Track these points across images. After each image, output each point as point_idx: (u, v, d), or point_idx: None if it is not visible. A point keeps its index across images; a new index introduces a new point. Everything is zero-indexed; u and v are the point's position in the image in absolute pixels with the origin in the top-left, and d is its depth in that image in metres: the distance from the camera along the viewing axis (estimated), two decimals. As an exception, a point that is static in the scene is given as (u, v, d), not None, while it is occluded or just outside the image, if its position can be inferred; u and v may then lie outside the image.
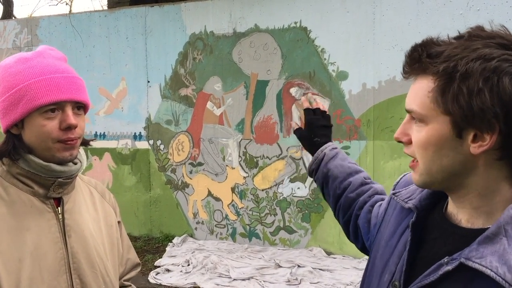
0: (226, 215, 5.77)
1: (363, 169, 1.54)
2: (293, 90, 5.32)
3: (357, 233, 1.43)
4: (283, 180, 5.47)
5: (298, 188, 5.42)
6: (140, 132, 6.13)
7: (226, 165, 5.72)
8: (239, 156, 5.64)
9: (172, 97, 5.91)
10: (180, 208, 5.99)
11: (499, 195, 0.93)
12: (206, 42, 5.70)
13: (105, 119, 6.29)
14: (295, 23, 5.27)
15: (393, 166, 4.96)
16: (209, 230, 5.86)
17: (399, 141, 1.01)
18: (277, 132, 5.44)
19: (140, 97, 6.08)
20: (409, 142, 0.98)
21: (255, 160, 5.58)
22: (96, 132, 6.34)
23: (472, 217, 0.95)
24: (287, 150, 5.41)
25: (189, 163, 5.90)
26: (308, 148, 1.63)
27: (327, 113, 1.68)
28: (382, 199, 1.40)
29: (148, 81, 6.02)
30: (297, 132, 1.67)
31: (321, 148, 1.57)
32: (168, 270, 5.04)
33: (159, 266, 5.14)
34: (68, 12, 6.51)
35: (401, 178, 1.24)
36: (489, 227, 0.90)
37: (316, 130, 1.62)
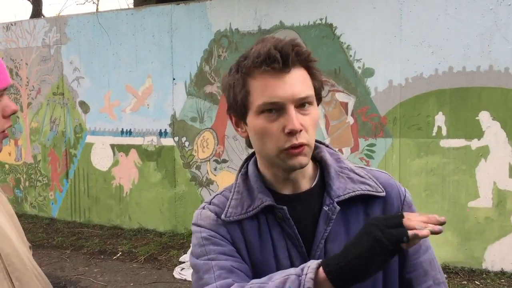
0: (250, 212, 5.77)
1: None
2: (318, 87, 5.28)
3: None
4: (307, 178, 5.44)
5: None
6: (165, 129, 6.19)
7: (251, 162, 5.71)
8: (264, 153, 5.63)
9: (197, 94, 5.95)
10: (205, 205, 6.01)
11: None
12: (231, 39, 5.71)
13: (131, 116, 6.37)
14: (321, 19, 5.24)
15: (419, 164, 4.88)
16: (233, 227, 5.88)
17: (296, 132, 1.04)
18: (302, 130, 5.41)
19: (165, 94, 6.14)
20: (301, 130, 1.06)
21: (279, 157, 5.56)
22: (122, 129, 6.42)
23: (309, 180, 1.16)
24: (311, 148, 5.37)
25: (214, 160, 5.92)
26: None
27: None
28: None
29: (174, 79, 6.07)
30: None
31: None
32: (192, 266, 5.07)
33: (184, 262, 5.19)
34: (95, 10, 6.61)
35: (203, 226, 1.22)
36: (325, 176, 1.15)
37: None
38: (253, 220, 1.13)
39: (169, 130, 6.17)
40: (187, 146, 6.08)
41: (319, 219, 1.11)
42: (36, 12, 10.04)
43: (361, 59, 5.08)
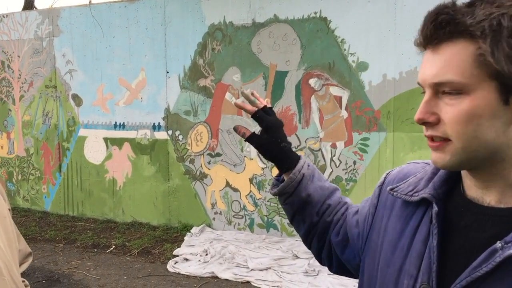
0: (244, 206, 5.78)
1: (334, 184, 1.35)
2: (312, 81, 5.29)
3: (331, 256, 1.25)
4: (301, 172, 5.44)
5: (317, 179, 5.38)
6: (159, 123, 6.16)
7: (244, 156, 5.72)
8: (258, 147, 5.62)
9: (191, 88, 5.93)
10: (198, 198, 6.02)
11: None
12: (225, 32, 5.69)
13: (124, 109, 6.34)
14: (315, 13, 5.22)
15: (413, 158, 4.89)
16: (227, 221, 5.89)
17: (423, 123, 0.88)
18: (296, 123, 5.42)
19: (159, 87, 6.11)
20: (437, 122, 0.87)
21: (273, 151, 5.56)
22: (115, 122, 6.39)
23: (505, 196, 0.84)
24: (305, 141, 5.38)
25: (208, 154, 5.91)
26: (273, 155, 1.32)
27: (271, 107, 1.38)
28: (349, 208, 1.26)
29: (167, 72, 6.04)
30: (253, 139, 1.33)
31: (297, 168, 1.28)
32: (186, 259, 5.08)
33: (177, 255, 5.19)
34: (87, 2, 6.55)
35: (386, 177, 1.12)
36: None
37: (278, 133, 1.34)
38: (405, 207, 1.00)
39: (162, 123, 6.15)
40: (180, 139, 6.06)
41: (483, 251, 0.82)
42: (28, 4, 9.94)
43: (355, 53, 5.08)
